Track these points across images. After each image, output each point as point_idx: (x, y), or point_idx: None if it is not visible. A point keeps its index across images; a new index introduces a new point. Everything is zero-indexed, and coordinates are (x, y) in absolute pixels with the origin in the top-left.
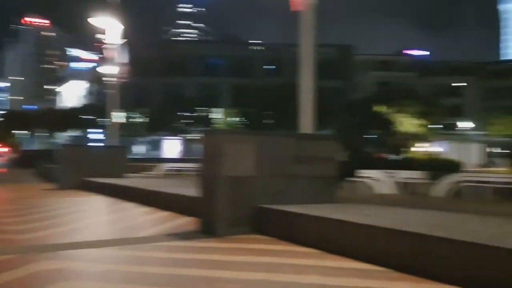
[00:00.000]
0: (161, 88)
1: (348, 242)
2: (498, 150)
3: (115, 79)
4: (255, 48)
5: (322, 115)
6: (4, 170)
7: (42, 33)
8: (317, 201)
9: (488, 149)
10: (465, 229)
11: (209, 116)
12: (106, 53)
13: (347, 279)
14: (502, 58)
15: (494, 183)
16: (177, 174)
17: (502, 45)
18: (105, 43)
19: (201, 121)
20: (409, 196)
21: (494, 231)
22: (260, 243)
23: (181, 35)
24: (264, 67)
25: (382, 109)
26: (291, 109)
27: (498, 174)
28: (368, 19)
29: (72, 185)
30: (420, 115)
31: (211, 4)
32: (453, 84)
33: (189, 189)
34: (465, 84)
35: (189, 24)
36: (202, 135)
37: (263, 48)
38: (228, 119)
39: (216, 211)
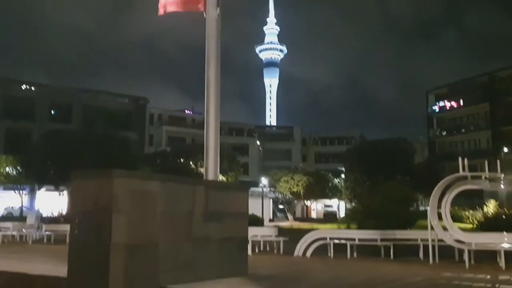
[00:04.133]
0: None
1: None
2: (280, 205)
3: None
4: (40, 90)
5: (122, 166)
6: None
7: None
8: (229, 273)
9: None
10: None
11: None
12: None
13: None
14: (268, 124)
15: (349, 240)
16: None
17: (268, 113)
18: None
19: None
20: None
21: None
22: None
23: None
24: (51, 111)
25: (191, 163)
26: (84, 157)
27: (343, 231)
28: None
29: None
30: (223, 171)
31: None
32: (237, 143)
33: (26, 264)
34: (248, 143)
35: None
36: (76, 178)
37: (50, 90)
38: (1, 168)
39: None
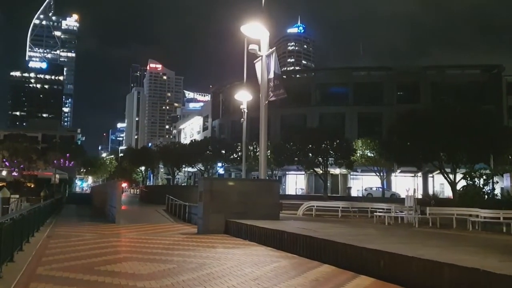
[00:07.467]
0: (279, 118)
1: None
2: None
3: (245, 109)
4: (385, 73)
5: (488, 144)
6: (124, 207)
7: (162, 77)
8: None
9: None
10: None
11: (340, 148)
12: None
13: None
14: None
15: None
16: (322, 214)
17: None
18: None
19: (327, 153)
20: None
21: None
22: None
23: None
24: (398, 92)
25: None
26: (441, 135)
27: None
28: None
29: (215, 227)
30: None
31: (313, 41)
32: None
33: None
34: None
35: (298, 62)
36: None
37: (396, 72)
38: (361, 151)
39: None
